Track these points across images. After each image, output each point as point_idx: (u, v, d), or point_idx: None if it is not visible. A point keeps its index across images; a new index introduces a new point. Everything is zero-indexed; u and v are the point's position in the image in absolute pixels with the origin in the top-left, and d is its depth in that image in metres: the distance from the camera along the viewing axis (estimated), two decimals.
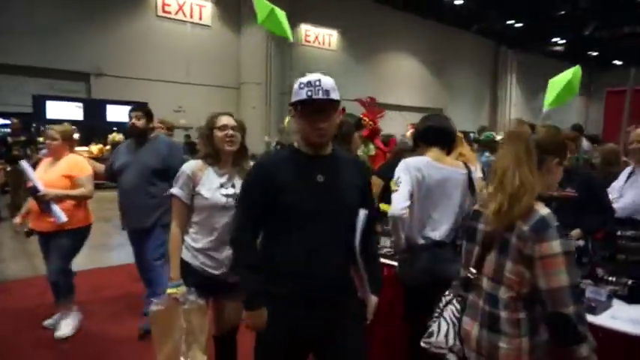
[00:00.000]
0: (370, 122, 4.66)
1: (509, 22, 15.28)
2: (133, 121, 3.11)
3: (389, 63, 14.75)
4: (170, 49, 10.69)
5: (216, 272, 2.11)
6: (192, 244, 2.12)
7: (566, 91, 3.80)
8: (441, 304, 1.66)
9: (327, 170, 1.70)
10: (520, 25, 15.52)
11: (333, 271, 1.69)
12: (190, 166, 2.13)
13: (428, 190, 2.12)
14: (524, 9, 14.38)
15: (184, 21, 11.01)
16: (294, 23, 11.97)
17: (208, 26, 11.34)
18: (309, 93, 1.60)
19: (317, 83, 1.62)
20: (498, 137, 6.26)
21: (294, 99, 1.63)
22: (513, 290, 1.41)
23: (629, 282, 2.17)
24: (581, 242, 1.72)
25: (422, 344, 1.65)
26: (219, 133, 2.11)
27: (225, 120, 2.14)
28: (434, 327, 1.63)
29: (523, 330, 1.41)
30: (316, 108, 1.62)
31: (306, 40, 12.57)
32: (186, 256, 2.13)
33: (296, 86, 1.64)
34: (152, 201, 3.10)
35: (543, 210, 1.39)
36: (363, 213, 1.73)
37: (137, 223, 3.13)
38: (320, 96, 1.61)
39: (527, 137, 1.47)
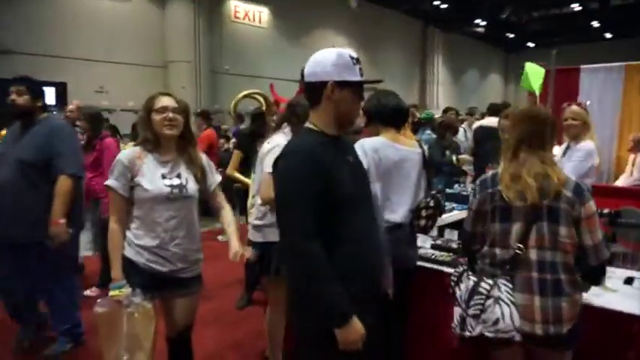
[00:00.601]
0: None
1: (435, 2, 15.74)
2: (13, 97, 2.54)
3: (320, 41, 14.63)
4: (88, 25, 9.85)
5: (163, 269, 1.95)
6: (135, 241, 1.96)
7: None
8: (483, 289, 1.66)
9: (349, 150, 1.66)
10: (445, 5, 16.04)
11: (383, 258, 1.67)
12: (127, 154, 1.96)
13: (386, 171, 2.10)
14: None
15: None
16: (221, 1, 11.52)
17: (128, 0, 10.54)
18: (361, 71, 1.51)
19: (360, 61, 1.53)
20: (437, 115, 6.51)
21: (346, 76, 1.47)
22: (568, 253, 1.63)
23: None
24: None
25: (487, 334, 1.63)
26: (157, 116, 1.94)
27: (164, 101, 1.96)
28: (495, 313, 1.62)
29: (578, 286, 1.66)
30: (363, 89, 1.55)
31: (236, 17, 12.13)
32: (129, 252, 1.96)
33: (346, 59, 1.49)
34: (27, 208, 2.48)
35: (571, 177, 1.68)
36: (374, 189, 1.74)
37: (6, 234, 2.52)
38: (364, 75, 1.54)
39: (548, 117, 1.72)
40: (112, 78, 10.06)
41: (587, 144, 3.01)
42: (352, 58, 1.51)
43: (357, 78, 1.51)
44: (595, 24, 16.93)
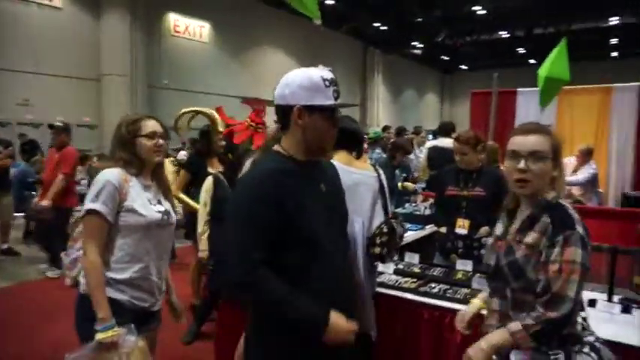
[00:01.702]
0: (252, 124, 4.43)
1: (375, 24, 16.21)
2: None
3: (263, 59, 14.58)
4: (13, 33, 9.07)
5: (146, 304, 1.80)
6: (116, 276, 1.73)
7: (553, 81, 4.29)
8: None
9: (324, 178, 1.51)
10: (385, 28, 16.58)
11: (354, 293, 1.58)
12: (114, 174, 1.73)
13: None
14: (389, 13, 15.37)
15: (29, 1, 9.41)
16: (161, 12, 11.14)
17: (59, 8, 9.87)
18: (335, 94, 1.40)
19: (336, 82, 1.42)
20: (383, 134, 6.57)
21: (317, 100, 1.36)
22: None
23: None
24: (490, 239, 1.78)
25: None
26: (147, 142, 1.78)
27: (152, 126, 1.81)
28: None
29: None
30: (337, 113, 1.44)
31: (176, 31, 11.74)
32: (110, 292, 1.72)
33: (317, 80, 1.37)
34: None
35: None
36: (361, 221, 1.66)
37: None
38: (340, 99, 1.43)
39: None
40: (39, 90, 9.32)
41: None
42: (325, 79, 1.38)
43: (329, 102, 1.38)
44: (521, 50, 18.23)
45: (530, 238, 1.44)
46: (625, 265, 2.61)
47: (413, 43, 18.49)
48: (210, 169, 3.73)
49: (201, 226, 3.22)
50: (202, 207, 3.24)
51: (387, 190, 2.14)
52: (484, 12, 14.67)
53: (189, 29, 12.07)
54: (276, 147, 1.46)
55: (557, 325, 1.38)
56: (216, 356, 2.76)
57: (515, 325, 1.41)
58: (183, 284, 3.77)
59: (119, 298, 1.73)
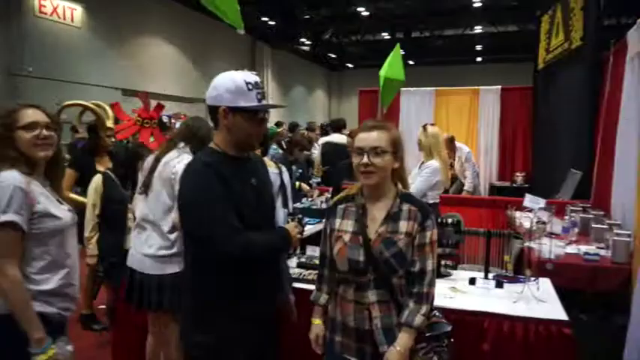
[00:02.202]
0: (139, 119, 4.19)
1: (264, 18, 16.12)
2: None
3: (145, 49, 13.64)
4: None
5: (70, 313, 1.72)
6: (40, 288, 1.58)
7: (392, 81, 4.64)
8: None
9: (255, 172, 1.68)
10: (273, 23, 16.57)
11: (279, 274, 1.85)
12: (16, 177, 1.53)
13: None
14: (277, 8, 15.39)
15: None
16: None
17: None
18: (259, 97, 1.54)
19: (261, 85, 1.56)
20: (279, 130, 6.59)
21: (240, 102, 1.51)
22: None
23: None
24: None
25: None
26: (26, 135, 1.59)
27: (32, 115, 1.62)
28: None
29: None
30: (263, 114, 1.58)
31: (42, 12, 10.39)
32: (38, 307, 1.56)
33: (240, 84, 1.51)
34: None
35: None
36: (283, 212, 1.87)
37: None
38: (267, 101, 1.59)
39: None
40: None
41: (432, 162, 3.41)
42: (248, 83, 1.53)
43: (251, 104, 1.53)
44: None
45: (405, 227, 1.62)
46: (496, 246, 2.97)
47: (301, 40, 18.77)
48: (99, 167, 3.44)
49: (89, 229, 2.95)
50: (90, 208, 2.96)
51: (288, 187, 2.21)
52: (367, 14, 15.43)
53: (58, 11, 10.77)
54: (211, 143, 1.64)
55: (433, 297, 1.68)
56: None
57: (418, 319, 1.58)
58: None
59: (47, 311, 1.59)
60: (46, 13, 10.48)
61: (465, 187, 5.76)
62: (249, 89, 1.52)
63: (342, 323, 1.66)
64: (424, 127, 3.60)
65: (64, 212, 1.68)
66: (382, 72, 5.18)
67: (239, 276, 1.59)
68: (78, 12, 11.26)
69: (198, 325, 1.64)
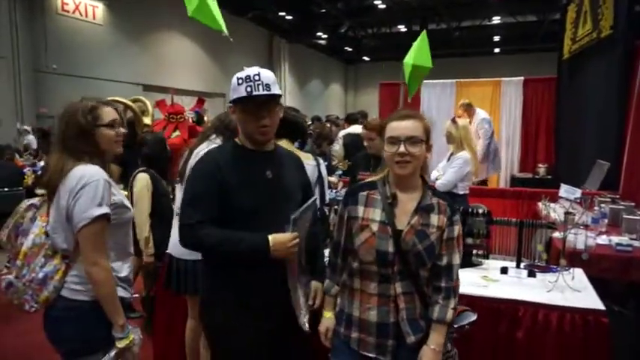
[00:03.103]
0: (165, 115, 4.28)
1: (281, 13, 16.14)
2: None
3: (165, 44, 13.80)
4: None
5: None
6: (118, 275, 1.71)
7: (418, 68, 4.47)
8: None
9: (274, 166, 1.68)
10: (290, 17, 16.58)
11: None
12: (100, 171, 1.64)
13: None
14: (294, 3, 15.39)
15: None
16: None
17: None
18: (249, 89, 1.56)
19: (256, 78, 1.57)
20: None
21: (233, 96, 1.60)
22: None
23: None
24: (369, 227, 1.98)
25: None
26: (109, 132, 1.68)
27: (113, 113, 1.73)
28: None
29: None
30: (258, 104, 1.58)
31: (64, 10, 10.61)
32: (119, 292, 1.69)
33: (234, 81, 1.60)
34: None
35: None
36: (314, 198, 1.75)
37: None
38: (260, 91, 1.56)
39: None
40: None
41: (463, 154, 3.43)
42: (239, 78, 1.59)
43: (239, 95, 1.59)
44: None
45: (436, 220, 1.60)
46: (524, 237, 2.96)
47: (318, 34, 18.74)
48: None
49: (147, 230, 2.96)
50: (146, 208, 2.96)
51: (325, 179, 2.22)
52: (384, 6, 15.32)
53: (80, 8, 10.97)
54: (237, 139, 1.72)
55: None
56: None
57: (450, 313, 1.59)
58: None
59: (124, 296, 1.72)
60: (68, 11, 10.69)
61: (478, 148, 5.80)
62: (239, 84, 1.59)
63: (361, 319, 1.61)
64: (453, 120, 3.61)
65: (128, 203, 1.79)
66: (408, 59, 4.88)
67: (234, 266, 1.64)
68: (99, 9, 11.45)
69: (204, 308, 1.75)
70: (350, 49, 21.41)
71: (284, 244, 1.56)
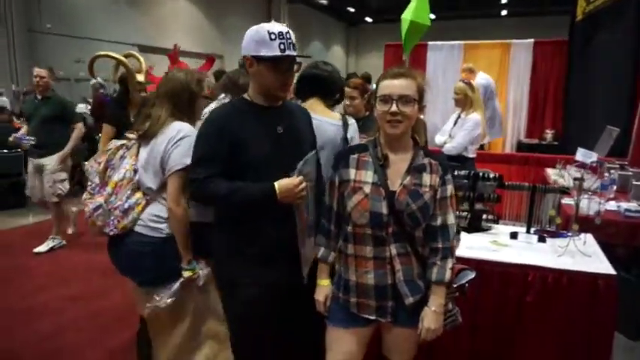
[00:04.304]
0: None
1: None
2: None
3: (162, 5, 13.38)
4: None
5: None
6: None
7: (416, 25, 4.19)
8: None
9: (284, 121, 1.67)
10: None
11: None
12: (193, 130, 1.87)
13: None
14: None
15: None
16: None
17: None
18: (282, 46, 1.53)
19: (288, 36, 1.55)
20: None
21: (262, 51, 1.53)
22: None
23: (467, 215, 2.51)
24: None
25: None
26: (204, 101, 2.07)
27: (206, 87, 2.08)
28: None
29: None
30: (289, 63, 1.58)
31: None
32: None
33: (263, 35, 1.53)
34: None
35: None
36: (314, 151, 1.74)
37: None
38: (292, 51, 1.55)
39: None
40: None
41: (474, 116, 3.34)
42: (271, 33, 1.53)
43: (273, 53, 1.53)
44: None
45: (428, 180, 1.57)
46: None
47: None
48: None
49: None
50: None
51: (354, 140, 2.04)
52: None
53: None
54: (246, 93, 1.69)
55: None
56: None
57: (448, 273, 1.57)
58: None
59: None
60: None
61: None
62: (271, 39, 1.52)
63: (358, 283, 1.59)
64: (468, 83, 3.50)
65: None
66: (406, 15, 4.55)
67: (238, 234, 1.67)
68: None
69: (216, 277, 1.83)
70: (352, 10, 20.79)
71: (290, 189, 1.56)
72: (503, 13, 18.91)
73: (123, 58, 3.46)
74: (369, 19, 22.05)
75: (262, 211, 1.61)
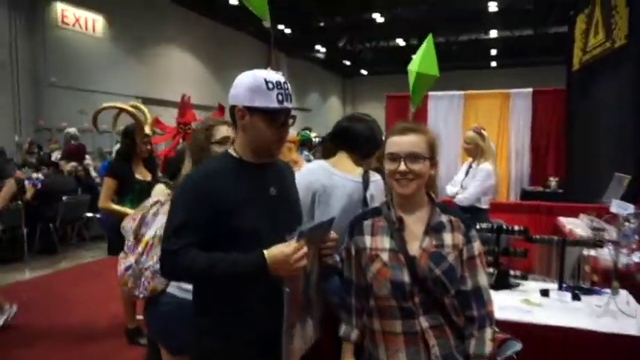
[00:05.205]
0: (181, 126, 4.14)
1: (280, 27, 16.14)
2: None
3: (164, 57, 13.73)
4: None
5: None
6: None
7: (423, 77, 4.10)
8: None
9: (276, 181, 1.49)
10: (289, 31, 16.59)
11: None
12: None
13: (315, 196, 1.89)
14: (292, 17, 15.40)
15: None
16: (44, 1, 9.88)
17: None
18: (280, 97, 1.38)
19: (286, 86, 1.40)
20: (313, 135, 6.50)
21: (256, 102, 1.37)
22: None
23: (494, 271, 2.39)
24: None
25: None
26: (218, 149, 1.81)
27: (225, 131, 1.88)
28: None
29: None
30: (285, 117, 1.42)
31: (64, 22, 10.49)
32: None
33: (259, 84, 1.37)
34: None
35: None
36: (332, 218, 1.48)
37: None
38: (289, 103, 1.41)
39: None
40: None
41: (486, 166, 3.29)
42: (268, 82, 1.37)
43: (271, 105, 1.37)
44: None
45: (450, 239, 1.45)
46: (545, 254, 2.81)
47: (316, 47, 18.76)
48: (138, 176, 3.32)
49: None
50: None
51: (372, 203, 1.85)
52: (382, 20, 15.36)
53: (80, 21, 10.87)
54: (230, 147, 1.50)
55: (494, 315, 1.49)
56: None
57: (487, 347, 1.42)
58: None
59: None
60: (68, 24, 10.59)
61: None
62: (269, 88, 1.36)
63: None
64: (479, 132, 3.47)
65: None
66: (412, 67, 4.44)
67: (221, 292, 1.42)
68: (99, 22, 11.37)
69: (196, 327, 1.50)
70: (348, 63, 21.45)
71: (285, 257, 1.26)
72: (493, 64, 19.58)
73: (131, 109, 3.42)
74: (364, 72, 22.71)
75: (248, 286, 1.36)
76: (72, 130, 7.86)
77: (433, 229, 1.45)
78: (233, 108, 1.43)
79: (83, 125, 10.38)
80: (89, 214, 6.48)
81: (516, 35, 16.11)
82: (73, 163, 6.65)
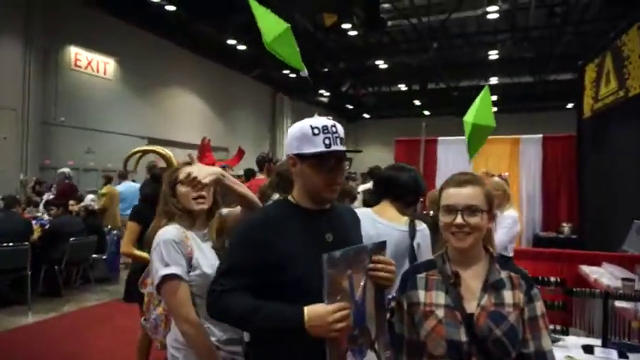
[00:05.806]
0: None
1: (285, 71, 16.52)
2: None
3: (171, 99, 13.97)
4: None
5: None
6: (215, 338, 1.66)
7: (480, 127, 3.94)
8: None
9: (334, 227, 1.45)
10: (294, 75, 16.97)
11: None
12: (170, 232, 1.65)
13: None
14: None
15: None
16: (62, 44, 10.16)
17: None
18: (327, 141, 1.36)
19: (334, 129, 1.38)
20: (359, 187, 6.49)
21: (304, 148, 1.37)
22: None
23: None
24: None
25: None
26: (182, 189, 1.71)
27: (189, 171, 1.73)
28: None
29: None
30: (335, 160, 1.39)
31: (77, 65, 10.73)
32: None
33: (306, 130, 1.37)
34: None
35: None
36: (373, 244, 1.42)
37: None
38: (339, 146, 1.38)
39: None
40: None
41: (511, 212, 3.25)
42: (314, 127, 1.38)
43: (317, 149, 1.37)
44: (417, 102, 19.85)
45: (511, 297, 1.38)
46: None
47: (320, 91, 19.14)
48: None
49: None
50: None
51: (422, 254, 1.83)
52: (385, 66, 15.75)
53: (92, 64, 11.12)
54: (289, 196, 1.51)
55: None
56: None
57: None
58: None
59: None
60: (80, 67, 10.82)
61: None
62: (314, 134, 1.36)
63: None
64: (505, 179, 3.46)
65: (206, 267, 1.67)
66: (468, 118, 4.47)
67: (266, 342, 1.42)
68: (111, 65, 11.62)
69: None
70: (351, 107, 21.82)
71: (323, 317, 1.20)
72: (494, 109, 19.89)
73: (169, 153, 3.35)
74: (366, 115, 23.07)
75: (286, 339, 1.32)
76: (66, 169, 7.87)
77: (492, 286, 1.38)
78: (288, 157, 1.47)
79: (88, 164, 10.42)
80: (95, 256, 6.35)
81: (516, 82, 16.52)
82: (84, 203, 6.61)
